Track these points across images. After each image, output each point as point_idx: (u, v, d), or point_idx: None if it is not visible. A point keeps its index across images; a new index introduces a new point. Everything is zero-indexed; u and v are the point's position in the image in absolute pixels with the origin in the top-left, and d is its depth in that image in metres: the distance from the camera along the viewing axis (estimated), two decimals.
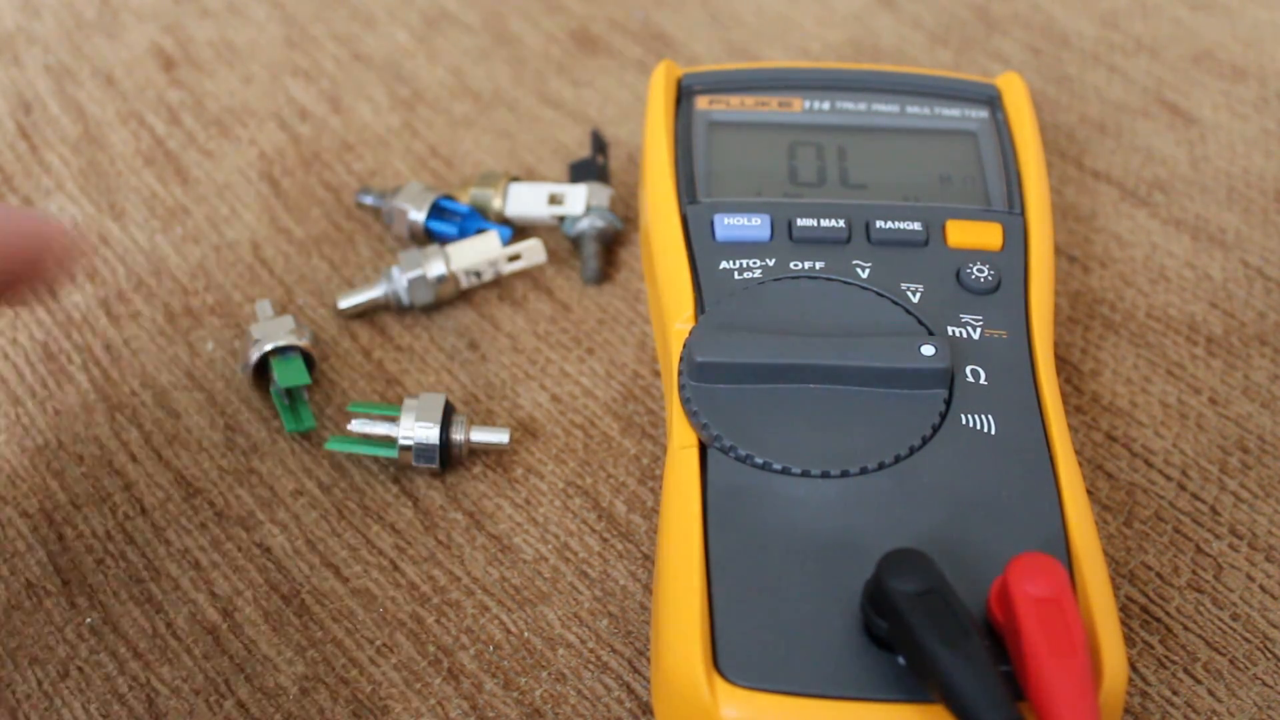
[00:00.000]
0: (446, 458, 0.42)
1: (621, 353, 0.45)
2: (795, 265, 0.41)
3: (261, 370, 0.44)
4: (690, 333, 0.39)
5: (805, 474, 0.36)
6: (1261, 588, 0.40)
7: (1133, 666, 0.38)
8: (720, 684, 0.33)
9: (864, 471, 0.36)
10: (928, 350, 0.38)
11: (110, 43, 0.56)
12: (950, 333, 0.39)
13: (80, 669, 0.38)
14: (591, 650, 0.39)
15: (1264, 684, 0.38)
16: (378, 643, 0.39)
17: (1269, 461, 0.42)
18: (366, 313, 0.46)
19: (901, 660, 0.33)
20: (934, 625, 0.32)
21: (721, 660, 0.33)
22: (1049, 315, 0.41)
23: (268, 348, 0.43)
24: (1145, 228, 0.49)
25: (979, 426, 0.38)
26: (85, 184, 0.50)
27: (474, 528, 0.41)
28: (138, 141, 0.52)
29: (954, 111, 0.46)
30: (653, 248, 0.43)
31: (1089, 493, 0.41)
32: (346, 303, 0.46)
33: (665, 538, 0.36)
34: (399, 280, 0.45)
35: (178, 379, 0.45)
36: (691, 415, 0.38)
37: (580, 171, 0.49)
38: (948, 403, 0.38)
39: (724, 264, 0.41)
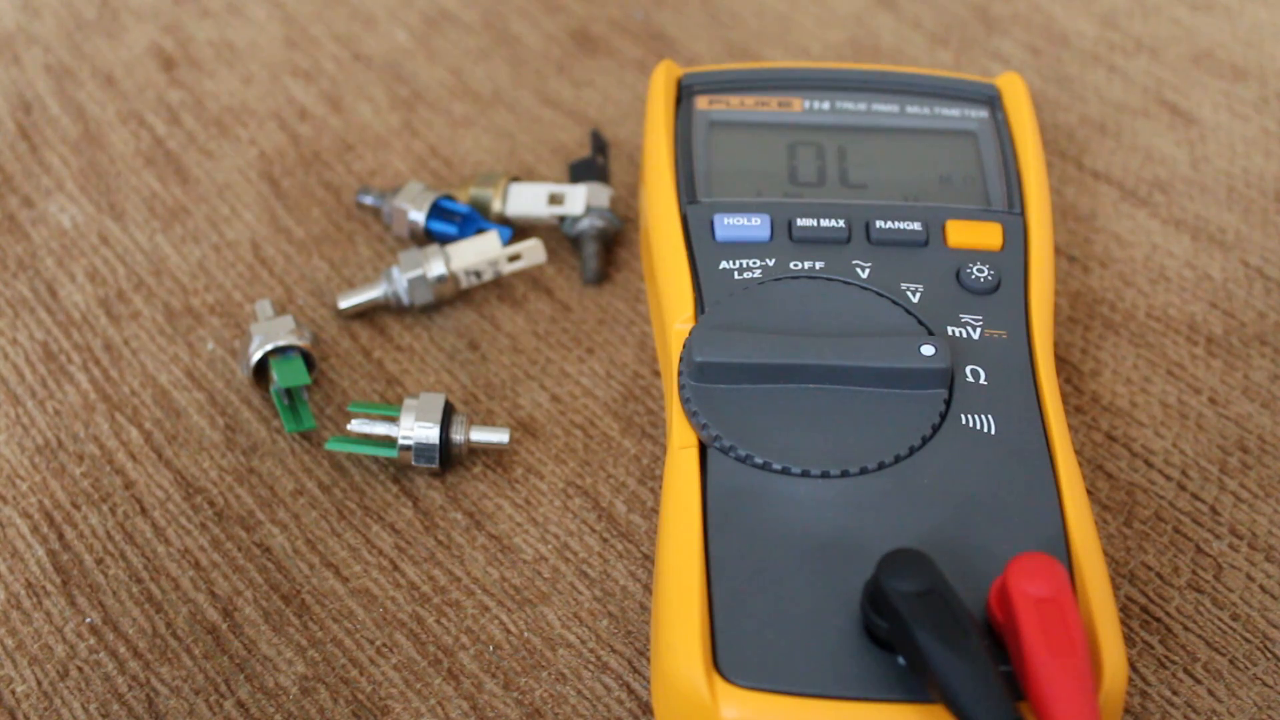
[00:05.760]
0: (446, 458, 0.42)
1: (621, 353, 0.45)
2: (795, 265, 0.41)
3: (261, 370, 0.44)
4: (690, 333, 0.39)
5: (805, 474, 0.36)
6: (1261, 588, 0.40)
7: (1133, 666, 0.38)
8: (720, 684, 0.33)
9: (864, 471, 0.36)
10: (928, 350, 0.38)
11: (110, 43, 0.56)
12: (950, 333, 0.39)
13: (80, 669, 0.38)
14: (591, 650, 0.39)
15: (1264, 684, 0.38)
16: (378, 643, 0.39)
17: (1269, 461, 0.42)
18: (366, 313, 0.46)
19: (901, 660, 0.33)
20: (934, 625, 0.32)
21: (721, 660, 0.33)
22: (1049, 315, 0.41)
23: (268, 348, 0.43)
24: (1145, 228, 0.49)
25: (979, 426, 0.38)
26: (85, 184, 0.50)
27: (474, 528, 0.41)
28: (138, 141, 0.52)
29: (954, 111, 0.46)
30: (653, 248, 0.43)
31: (1089, 493, 0.41)
32: (346, 303, 0.46)
33: (665, 538, 0.36)
34: (399, 280, 0.45)
35: (178, 379, 0.45)
36: (691, 415, 0.38)
37: (580, 171, 0.49)
38: (948, 403, 0.38)
39: (724, 264, 0.41)
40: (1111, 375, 0.45)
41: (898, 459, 0.37)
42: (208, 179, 0.51)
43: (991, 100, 0.47)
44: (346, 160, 0.51)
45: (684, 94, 0.47)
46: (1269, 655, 0.38)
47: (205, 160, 0.51)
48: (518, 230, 0.48)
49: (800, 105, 0.46)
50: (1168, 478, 0.42)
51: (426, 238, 0.48)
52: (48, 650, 0.39)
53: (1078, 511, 0.36)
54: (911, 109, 0.46)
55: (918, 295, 0.40)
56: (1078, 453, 0.42)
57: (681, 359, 0.39)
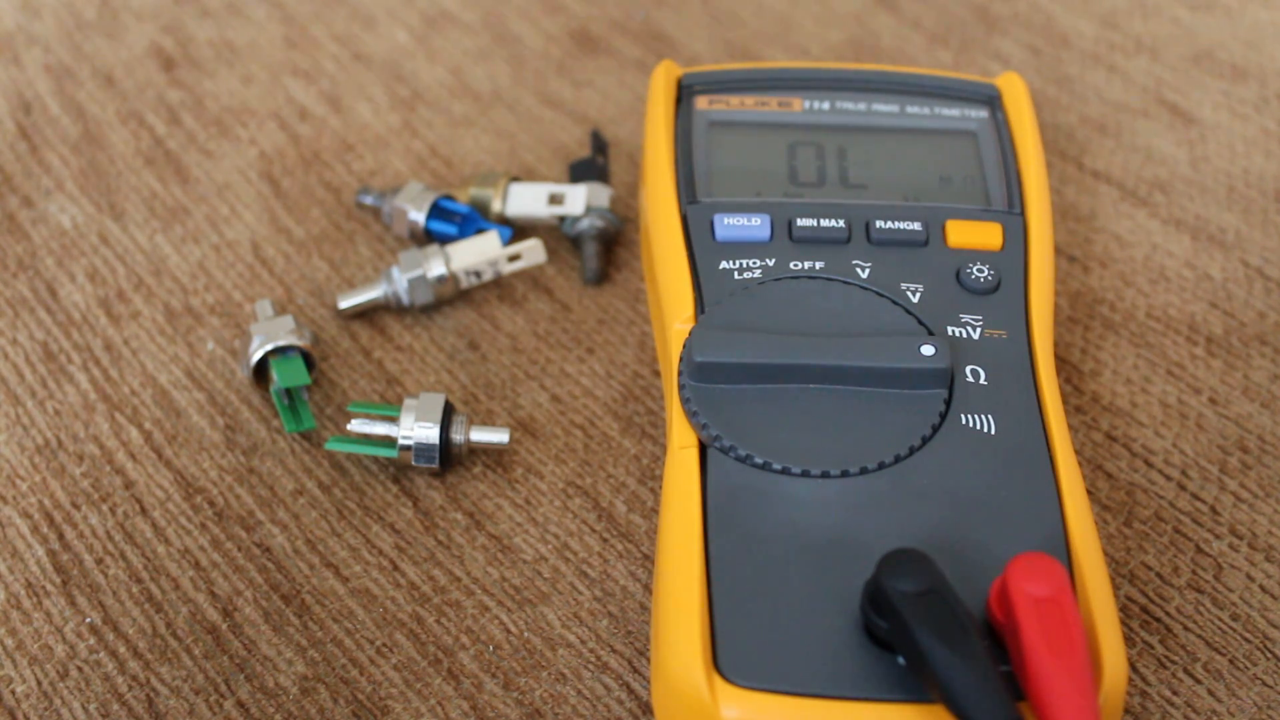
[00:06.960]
0: (446, 458, 0.42)
1: (621, 353, 0.45)
2: (795, 265, 0.41)
3: (261, 370, 0.44)
4: (690, 333, 0.39)
5: (805, 474, 0.36)
6: (1261, 588, 0.40)
7: (1133, 666, 0.38)
8: (720, 684, 0.33)
9: (864, 471, 0.36)
10: (928, 350, 0.38)
11: (110, 43, 0.56)
12: (950, 333, 0.39)
13: (80, 669, 0.38)
14: (591, 650, 0.39)
15: (1264, 684, 0.38)
16: (378, 643, 0.39)
17: (1269, 461, 0.42)
18: (366, 313, 0.46)
19: (901, 660, 0.33)
20: (934, 625, 0.32)
21: (721, 660, 0.33)
22: (1049, 315, 0.41)
23: (268, 348, 0.43)
24: (1145, 228, 0.49)
25: (979, 426, 0.38)
26: (85, 184, 0.50)
27: (474, 528, 0.41)
28: (138, 141, 0.52)
29: (954, 111, 0.46)
30: (653, 248, 0.43)
31: (1089, 493, 0.41)
32: (346, 303, 0.46)
33: (665, 538, 0.36)
34: (399, 280, 0.45)
35: (178, 379, 0.45)
36: (691, 415, 0.38)
37: (580, 171, 0.49)
38: (947, 403, 0.38)
39: (724, 264, 0.41)
40: (1111, 375, 0.45)
41: (898, 459, 0.37)
42: (208, 179, 0.51)
43: (991, 100, 0.47)
44: (346, 160, 0.51)
45: (684, 94, 0.47)
46: (1269, 655, 0.38)
47: (205, 160, 0.51)
48: (518, 230, 0.48)
49: (800, 105, 0.46)
50: (1168, 478, 0.42)
51: (426, 238, 0.48)
52: (48, 650, 0.39)
53: (1078, 511, 0.36)
54: (911, 109, 0.46)
55: (918, 295, 0.40)
56: (1078, 453, 0.42)
57: (681, 359, 0.39)
